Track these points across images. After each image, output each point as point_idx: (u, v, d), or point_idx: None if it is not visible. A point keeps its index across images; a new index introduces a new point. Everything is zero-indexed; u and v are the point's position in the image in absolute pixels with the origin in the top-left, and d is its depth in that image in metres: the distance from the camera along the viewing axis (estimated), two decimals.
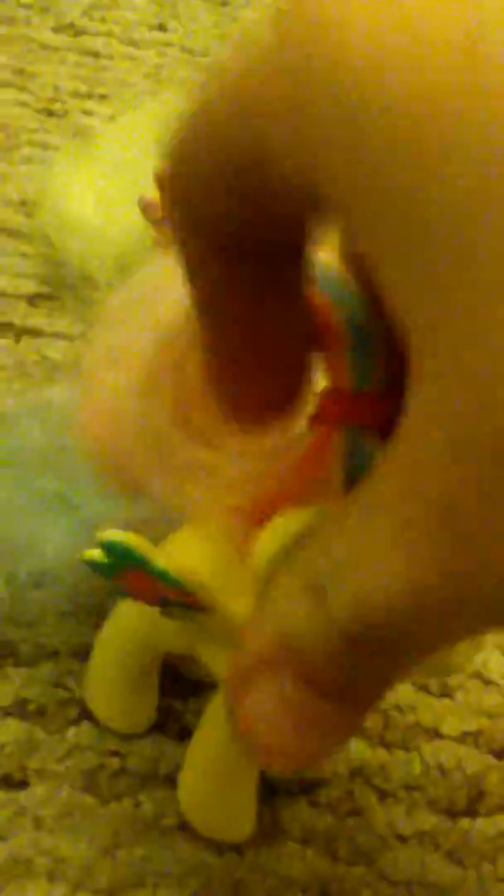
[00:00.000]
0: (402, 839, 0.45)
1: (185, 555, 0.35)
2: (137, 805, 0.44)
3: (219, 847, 0.43)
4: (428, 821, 0.46)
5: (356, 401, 0.31)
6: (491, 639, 0.54)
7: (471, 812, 0.47)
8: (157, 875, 0.42)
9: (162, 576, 0.33)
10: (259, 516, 0.31)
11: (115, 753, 0.45)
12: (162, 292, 0.34)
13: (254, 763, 0.42)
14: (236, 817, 0.43)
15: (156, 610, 0.40)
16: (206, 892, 0.42)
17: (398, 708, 0.50)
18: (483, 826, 0.47)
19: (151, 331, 0.33)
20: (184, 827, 0.44)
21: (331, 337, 0.31)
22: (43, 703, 0.47)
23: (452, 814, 0.47)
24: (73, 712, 0.47)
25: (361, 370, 0.32)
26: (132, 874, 0.42)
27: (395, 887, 0.44)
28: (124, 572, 0.35)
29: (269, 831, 0.44)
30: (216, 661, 0.40)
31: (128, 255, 0.57)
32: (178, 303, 0.32)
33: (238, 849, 0.43)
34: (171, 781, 0.44)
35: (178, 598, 0.35)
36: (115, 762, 0.45)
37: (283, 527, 0.31)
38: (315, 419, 0.32)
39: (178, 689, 0.47)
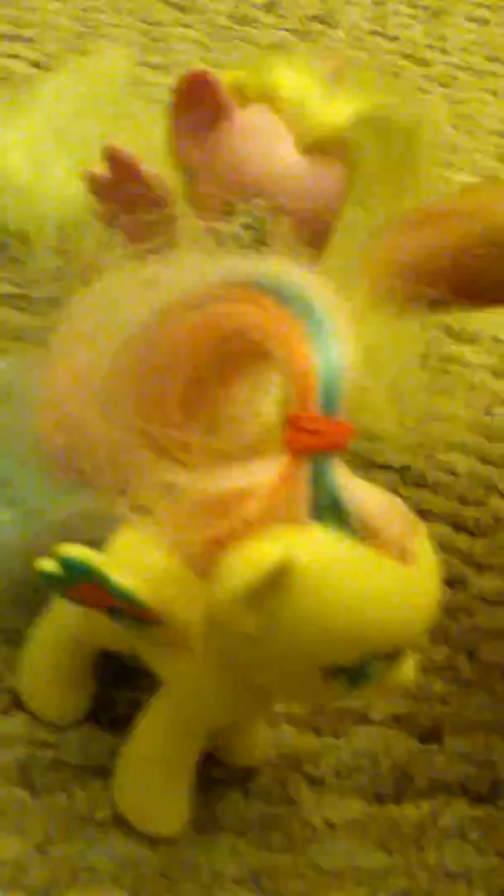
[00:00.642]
0: (333, 827, 0.46)
1: (138, 568, 0.34)
2: (71, 798, 0.43)
3: (152, 841, 0.43)
4: (357, 808, 0.47)
5: (325, 428, 0.31)
6: None
7: (398, 798, 0.48)
8: (90, 871, 0.42)
9: (119, 593, 0.32)
10: (225, 543, 0.31)
11: (47, 745, 0.45)
12: (122, 305, 0.33)
13: (195, 759, 0.42)
14: (170, 810, 0.43)
15: (90, 623, 0.39)
16: (139, 887, 0.42)
17: None
18: (409, 812, 0.48)
19: (113, 345, 0.32)
20: (117, 820, 0.43)
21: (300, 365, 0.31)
22: None
23: (381, 799, 0.47)
24: (5, 700, 0.46)
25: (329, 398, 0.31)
26: (66, 871, 0.41)
27: (326, 876, 0.44)
28: (77, 585, 0.34)
29: (202, 823, 0.44)
30: (158, 662, 0.39)
31: (67, 222, 0.55)
32: (138, 317, 0.31)
33: (172, 842, 0.43)
34: (104, 773, 0.44)
35: (130, 611, 0.34)
36: (48, 754, 0.45)
37: (248, 556, 0.30)
38: (286, 445, 0.31)
39: (113, 677, 0.46)
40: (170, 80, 0.54)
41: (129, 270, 0.32)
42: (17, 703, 0.46)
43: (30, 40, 0.78)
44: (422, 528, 0.35)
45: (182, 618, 0.36)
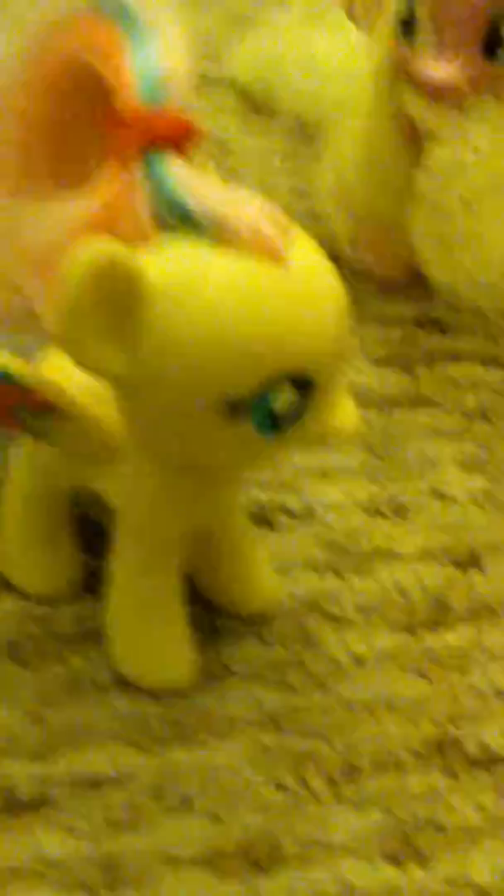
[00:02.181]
0: (360, 662, 0.42)
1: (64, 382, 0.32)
2: (67, 667, 0.41)
3: (158, 696, 0.40)
4: (388, 640, 0.43)
5: (147, 119, 0.28)
6: (447, 454, 0.51)
7: (434, 626, 0.44)
8: (90, 733, 0.39)
9: (3, 377, 0.30)
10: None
11: (39, 619, 0.43)
12: None
13: (178, 597, 0.39)
14: (171, 662, 0.40)
15: (44, 455, 0.38)
16: (146, 740, 0.39)
17: (348, 536, 0.47)
18: (449, 638, 0.44)
19: None
20: (120, 682, 0.41)
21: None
22: None
23: (413, 630, 0.44)
24: None
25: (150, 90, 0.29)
26: (63, 735, 0.39)
27: (357, 710, 0.41)
28: None
29: (213, 672, 0.41)
30: (108, 488, 0.37)
31: None
32: None
33: (181, 695, 0.40)
34: (102, 639, 0.41)
35: (27, 404, 0.32)
36: (40, 628, 0.43)
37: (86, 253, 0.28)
38: (112, 151, 0.29)
39: (102, 548, 0.44)
40: None
41: None
42: (8, 587, 0.44)
43: None
44: (300, 231, 0.31)
45: (106, 423, 0.34)
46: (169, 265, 0.29)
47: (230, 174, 0.64)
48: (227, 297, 0.29)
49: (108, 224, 0.29)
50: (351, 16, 0.51)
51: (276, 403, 0.30)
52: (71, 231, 0.29)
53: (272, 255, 0.29)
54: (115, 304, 0.28)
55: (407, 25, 0.47)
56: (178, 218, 0.29)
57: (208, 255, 0.29)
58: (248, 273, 0.29)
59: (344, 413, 0.33)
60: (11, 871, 0.35)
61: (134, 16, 0.29)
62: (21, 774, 0.38)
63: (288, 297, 0.29)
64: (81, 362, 0.30)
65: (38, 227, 0.29)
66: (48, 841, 0.36)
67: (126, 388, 0.31)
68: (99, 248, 0.28)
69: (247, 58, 0.72)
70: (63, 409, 0.32)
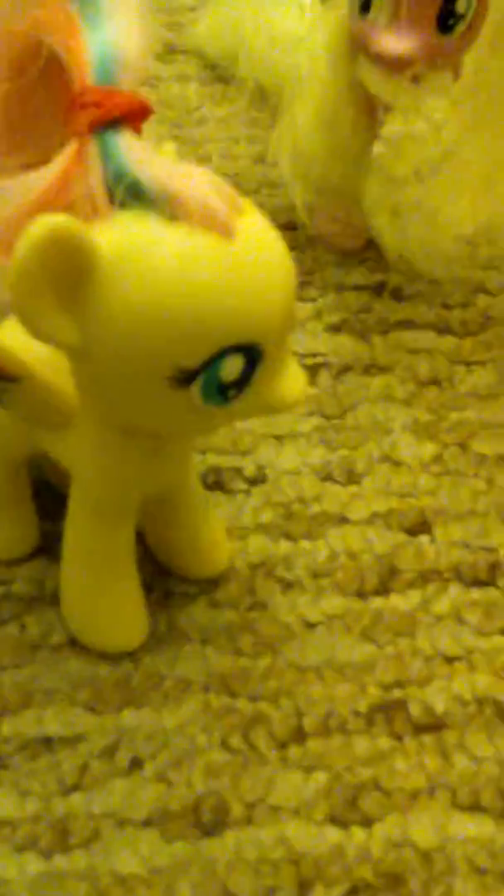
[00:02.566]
0: (310, 626, 0.43)
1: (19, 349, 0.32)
2: (22, 627, 0.42)
3: (111, 659, 0.41)
4: (337, 605, 0.44)
5: (101, 98, 0.28)
6: (399, 420, 0.51)
7: (383, 591, 0.45)
8: (45, 692, 0.40)
9: None
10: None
11: None
12: None
13: (130, 561, 0.39)
14: (123, 625, 0.41)
15: (1, 421, 0.38)
16: (98, 702, 0.40)
17: (300, 500, 0.47)
18: (397, 602, 0.44)
19: None
20: (74, 644, 0.41)
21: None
22: None
23: (363, 595, 0.44)
24: None
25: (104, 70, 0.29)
26: (18, 695, 0.40)
27: (304, 672, 0.42)
28: None
29: (165, 636, 0.42)
30: (64, 453, 0.37)
31: None
32: None
33: (133, 657, 0.41)
34: (58, 601, 0.42)
35: None
36: None
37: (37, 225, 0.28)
38: (68, 130, 0.29)
39: (61, 511, 0.44)
40: None
41: None
42: None
43: None
44: (249, 204, 0.31)
45: (61, 390, 0.34)
46: (119, 238, 0.29)
47: (194, 142, 0.64)
48: (176, 270, 0.29)
49: (62, 200, 0.29)
50: None
51: (223, 372, 0.30)
52: (27, 207, 0.29)
53: (221, 228, 0.29)
54: (66, 274, 0.28)
55: (363, 4, 0.47)
56: (129, 193, 0.29)
57: (158, 228, 0.29)
58: (197, 246, 0.29)
59: (292, 381, 0.33)
60: None
61: (93, 1, 0.29)
62: None
63: (236, 268, 0.29)
64: (35, 332, 0.30)
65: None
66: (0, 801, 0.37)
67: (78, 356, 0.31)
68: (49, 220, 0.28)
69: (210, 27, 0.72)
70: (18, 376, 0.33)
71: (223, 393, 0.31)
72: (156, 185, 0.29)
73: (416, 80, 0.47)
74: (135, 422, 0.33)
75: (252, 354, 0.30)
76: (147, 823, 0.37)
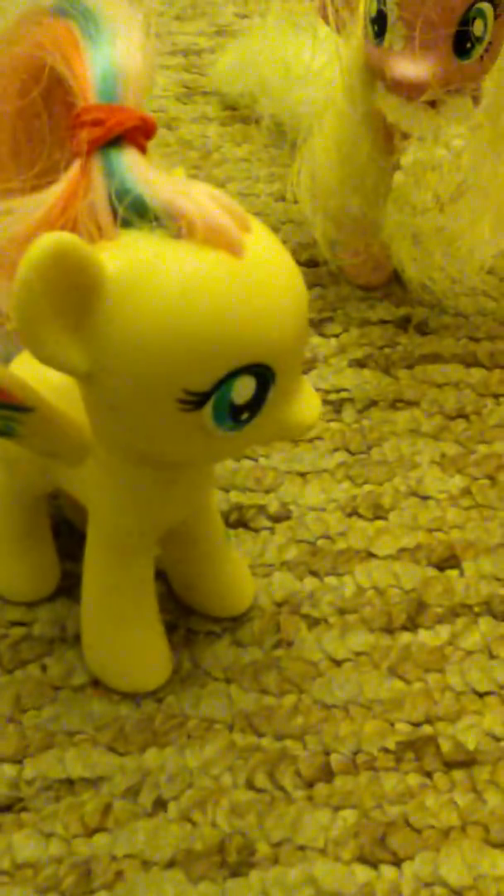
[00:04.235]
0: (337, 663, 0.42)
1: (34, 381, 0.32)
2: (44, 669, 0.41)
3: (134, 699, 0.40)
4: (364, 641, 0.43)
5: (105, 115, 0.28)
6: (426, 454, 0.51)
7: (412, 626, 0.44)
8: (68, 734, 0.39)
9: None
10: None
11: (17, 623, 0.43)
12: None
13: (150, 598, 0.39)
14: (146, 665, 0.40)
15: (18, 458, 0.38)
16: (121, 742, 0.39)
17: (326, 536, 0.47)
18: (426, 638, 0.44)
19: None
20: (97, 684, 0.41)
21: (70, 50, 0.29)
22: None
23: (391, 631, 0.44)
24: None
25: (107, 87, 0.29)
26: (40, 736, 0.39)
27: (331, 710, 0.41)
28: None
29: (188, 675, 0.41)
30: (80, 488, 0.37)
31: None
32: None
33: (156, 696, 0.41)
34: (80, 643, 0.42)
35: None
36: (19, 631, 0.43)
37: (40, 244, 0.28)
38: (73, 148, 0.29)
39: (82, 551, 0.44)
40: None
41: None
42: None
43: None
44: (257, 222, 0.31)
45: (75, 422, 0.34)
46: (124, 257, 0.29)
47: (214, 182, 0.64)
48: (183, 290, 0.28)
49: (65, 219, 0.29)
50: (322, 16, 0.51)
51: (234, 394, 0.30)
52: (30, 227, 0.29)
53: (228, 245, 0.29)
54: (71, 294, 0.28)
55: (377, 24, 0.47)
56: (133, 210, 0.29)
57: (164, 247, 0.29)
58: (205, 264, 0.28)
59: (306, 404, 0.32)
60: None
61: (93, 16, 0.29)
62: None
63: (245, 287, 0.29)
64: (41, 356, 0.30)
65: (2, 223, 0.29)
66: (21, 843, 0.37)
67: (87, 381, 0.31)
68: (52, 238, 0.27)
69: (228, 68, 0.73)
70: (30, 406, 0.32)
71: (236, 417, 0.30)
72: (160, 202, 0.28)
73: (435, 106, 0.47)
74: (147, 450, 0.33)
75: (264, 376, 0.30)
76: (171, 864, 0.36)
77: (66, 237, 0.27)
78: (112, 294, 0.28)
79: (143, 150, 0.29)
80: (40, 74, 0.30)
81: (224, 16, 0.84)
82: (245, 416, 0.30)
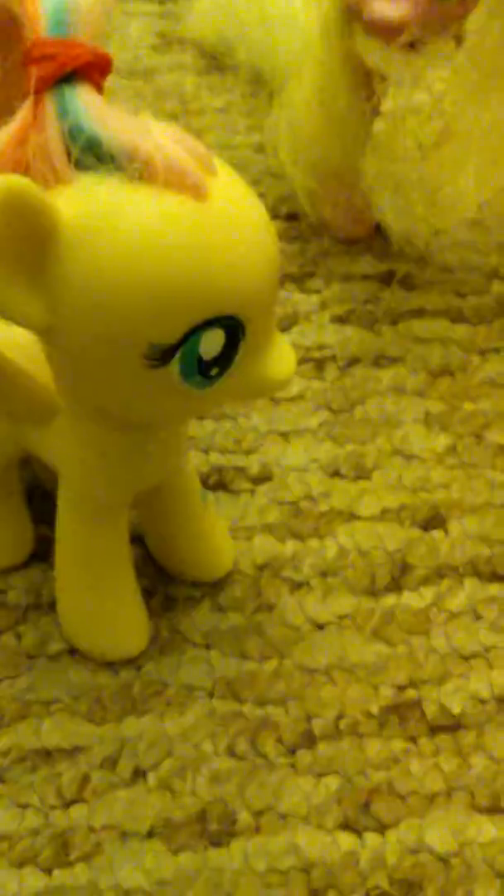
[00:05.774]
0: (319, 627, 0.42)
1: None
2: (19, 637, 0.40)
3: (112, 667, 0.39)
4: (347, 604, 0.42)
5: (57, 50, 0.27)
6: (410, 412, 0.50)
7: (395, 588, 0.43)
8: (43, 703, 0.39)
9: None
10: None
11: None
12: None
13: (126, 563, 0.38)
14: (123, 631, 0.39)
15: None
16: (99, 711, 0.38)
17: (308, 498, 0.46)
18: (410, 600, 0.43)
19: None
20: (72, 652, 0.40)
21: None
22: None
23: (374, 593, 0.43)
24: None
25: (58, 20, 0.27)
26: (15, 706, 0.39)
27: (313, 675, 0.40)
28: None
29: (167, 641, 0.41)
30: (50, 451, 0.36)
31: None
32: None
33: (134, 664, 0.40)
34: (55, 610, 0.41)
35: None
36: None
37: None
38: (19, 86, 0.27)
39: (55, 517, 0.43)
40: None
41: None
42: None
43: None
44: (224, 165, 0.30)
45: (43, 382, 0.32)
46: (81, 202, 0.27)
47: (192, 132, 0.62)
48: (143, 236, 0.27)
49: (17, 162, 0.27)
50: None
51: (202, 348, 0.29)
52: None
53: (191, 189, 0.27)
54: (24, 242, 0.27)
55: None
56: (89, 151, 0.27)
57: (124, 191, 0.27)
58: (166, 209, 0.27)
59: (280, 358, 0.31)
60: None
61: None
62: None
63: (211, 233, 0.27)
64: None
65: None
66: None
67: (48, 337, 0.30)
68: (2, 183, 0.26)
69: (204, 15, 0.70)
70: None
71: (205, 372, 0.29)
72: (117, 142, 0.27)
73: (415, 49, 0.45)
74: (114, 409, 0.31)
75: (233, 329, 0.29)
76: (151, 835, 0.36)
77: (17, 180, 0.26)
78: (68, 241, 0.27)
79: (99, 88, 0.28)
80: None
81: None
82: (215, 371, 0.29)
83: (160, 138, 0.27)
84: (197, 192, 0.27)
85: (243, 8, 0.61)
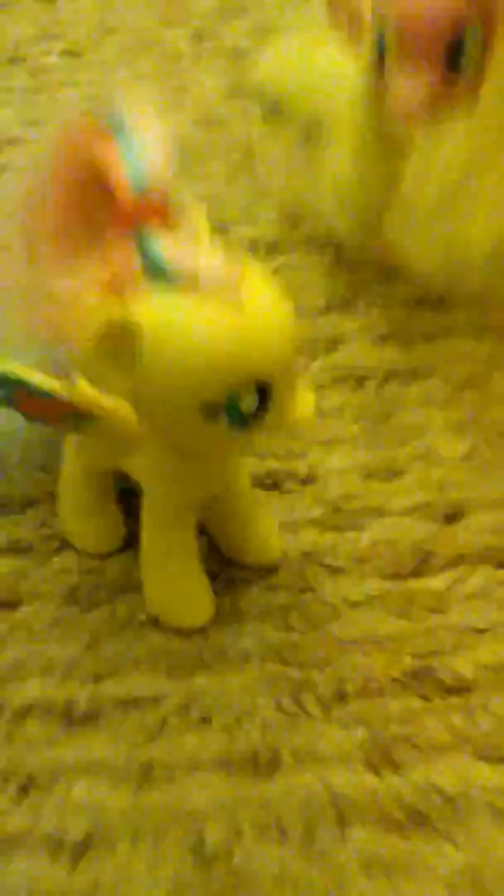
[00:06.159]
0: (353, 605, 0.50)
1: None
2: (113, 610, 0.50)
3: (185, 634, 0.49)
4: (377, 587, 0.51)
5: (137, 206, 0.37)
6: (438, 420, 0.58)
7: (418, 573, 0.51)
8: (132, 662, 0.48)
9: (38, 391, 0.39)
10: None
11: (92, 572, 0.51)
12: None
13: (195, 552, 0.47)
14: (194, 606, 0.49)
15: (87, 445, 0.48)
16: (175, 669, 0.48)
17: (345, 497, 0.55)
18: (430, 584, 0.51)
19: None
20: (154, 622, 0.49)
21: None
22: (31, 540, 0.53)
23: (400, 577, 0.51)
24: (55, 545, 0.53)
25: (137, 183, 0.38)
26: (111, 664, 0.48)
27: (347, 645, 0.49)
28: (20, 399, 0.41)
29: (228, 615, 0.50)
30: (134, 468, 0.46)
31: None
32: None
33: (202, 632, 0.49)
34: (142, 588, 0.50)
35: (65, 410, 0.41)
36: (92, 578, 0.51)
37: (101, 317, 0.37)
38: (112, 230, 0.38)
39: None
40: None
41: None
42: (68, 546, 0.53)
43: None
44: (252, 268, 0.40)
45: (128, 422, 0.42)
46: (154, 314, 0.38)
47: (254, 179, 0.70)
48: (196, 332, 0.38)
49: (114, 280, 0.38)
50: (336, 29, 0.57)
51: (242, 405, 0.39)
52: (90, 284, 0.38)
53: (228, 297, 0.38)
54: (120, 348, 0.38)
55: (380, 53, 0.52)
56: (158, 274, 0.38)
57: (181, 302, 0.38)
58: (210, 313, 0.38)
59: (301, 404, 0.41)
60: (73, 768, 0.44)
61: (124, 125, 0.39)
62: (80, 694, 0.47)
63: (242, 326, 0.38)
64: (99, 385, 0.39)
65: (69, 279, 0.38)
66: (100, 746, 0.45)
67: (132, 399, 0.41)
68: (109, 313, 0.38)
69: (270, 66, 0.77)
70: (98, 413, 0.42)
71: (244, 422, 0.39)
72: (177, 268, 0.38)
73: (433, 118, 0.52)
74: (184, 445, 0.42)
75: (264, 389, 0.39)
76: (214, 767, 0.45)
77: (116, 311, 0.38)
78: (146, 342, 0.38)
79: (167, 223, 0.39)
80: (91, 172, 0.39)
81: (267, 17, 0.88)
82: (252, 420, 0.40)
83: (206, 262, 0.38)
84: (231, 298, 0.38)
85: (305, 60, 0.69)
